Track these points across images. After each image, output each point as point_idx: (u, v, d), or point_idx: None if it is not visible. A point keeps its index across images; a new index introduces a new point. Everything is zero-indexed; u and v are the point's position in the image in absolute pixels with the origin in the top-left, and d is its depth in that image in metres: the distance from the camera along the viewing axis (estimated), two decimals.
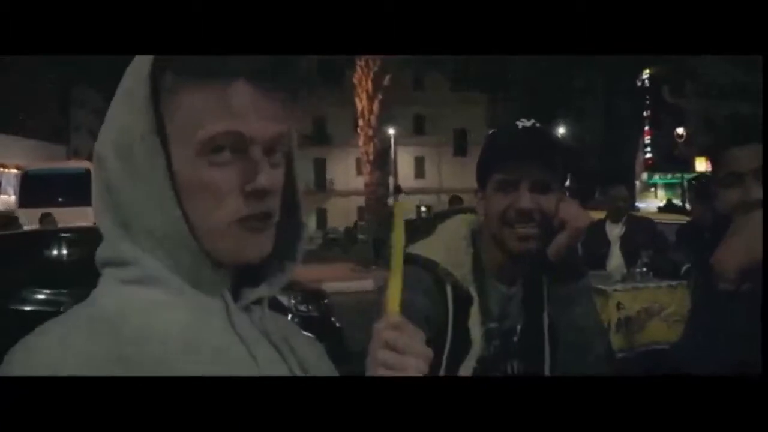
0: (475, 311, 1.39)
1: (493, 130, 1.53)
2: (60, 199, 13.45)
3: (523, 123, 1.40)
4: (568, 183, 1.52)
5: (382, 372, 0.72)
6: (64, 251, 6.61)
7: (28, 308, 6.12)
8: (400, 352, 0.73)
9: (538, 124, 1.40)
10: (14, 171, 19.63)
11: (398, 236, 0.84)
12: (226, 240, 0.74)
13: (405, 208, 0.90)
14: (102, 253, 0.77)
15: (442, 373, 1.36)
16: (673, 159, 38.76)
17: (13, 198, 16.95)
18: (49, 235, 6.93)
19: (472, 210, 1.52)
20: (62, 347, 0.67)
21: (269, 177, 0.74)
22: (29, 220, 11.15)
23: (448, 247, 1.43)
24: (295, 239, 0.84)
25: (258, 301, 0.83)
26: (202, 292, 0.76)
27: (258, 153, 0.74)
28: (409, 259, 1.42)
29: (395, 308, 0.77)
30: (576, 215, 1.38)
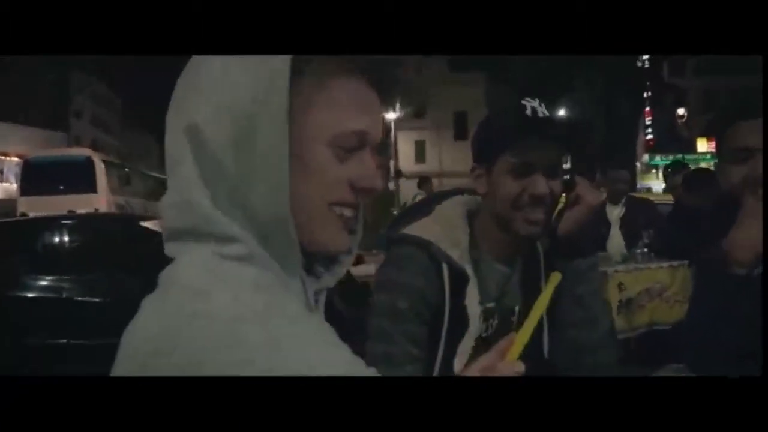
0: (472, 290, 1.39)
1: (497, 108, 1.49)
2: (61, 187, 13.46)
3: (530, 102, 1.37)
4: (568, 165, 1.51)
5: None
6: (66, 238, 6.64)
7: (30, 295, 6.16)
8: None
9: (542, 104, 1.38)
10: (16, 159, 19.62)
11: (544, 299, 0.95)
12: (320, 225, 0.79)
13: (557, 280, 1.01)
14: (199, 225, 0.75)
15: (441, 349, 1.38)
16: (674, 140, 38.66)
17: (14, 186, 16.95)
18: (50, 222, 6.96)
19: (469, 191, 1.52)
20: (164, 333, 0.67)
21: (383, 179, 0.82)
22: (30, 208, 11.13)
23: (445, 227, 1.43)
24: (352, 233, 0.86)
25: (318, 292, 0.86)
26: (286, 274, 0.78)
27: (368, 152, 0.81)
28: (404, 240, 1.42)
29: (516, 354, 0.87)
30: (591, 192, 1.38)
